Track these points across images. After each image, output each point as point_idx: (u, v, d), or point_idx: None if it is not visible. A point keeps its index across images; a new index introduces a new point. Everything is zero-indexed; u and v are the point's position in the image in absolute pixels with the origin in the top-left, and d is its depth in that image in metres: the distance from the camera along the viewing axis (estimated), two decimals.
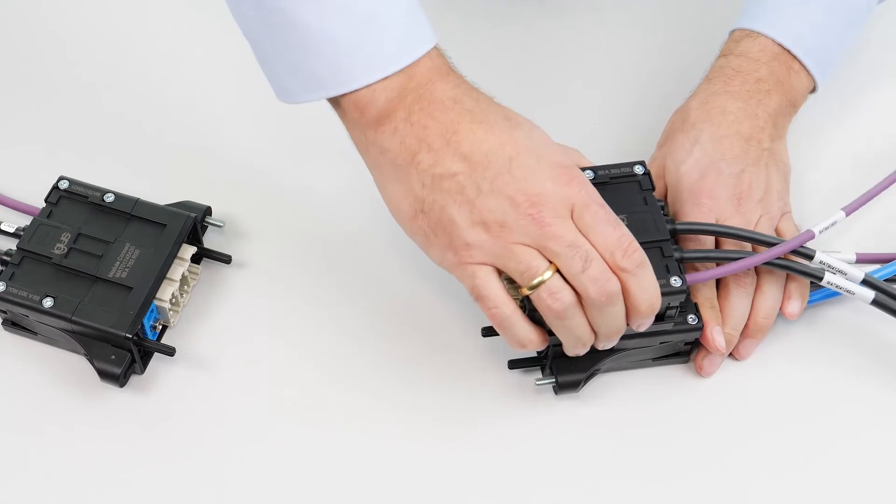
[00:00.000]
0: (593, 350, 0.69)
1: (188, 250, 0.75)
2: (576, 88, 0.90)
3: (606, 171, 0.72)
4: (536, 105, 0.73)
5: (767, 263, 0.72)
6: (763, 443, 0.73)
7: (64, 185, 0.76)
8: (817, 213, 0.80)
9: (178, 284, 0.74)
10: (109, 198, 0.75)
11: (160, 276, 0.73)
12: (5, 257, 0.74)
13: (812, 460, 0.72)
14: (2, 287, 0.72)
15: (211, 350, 0.75)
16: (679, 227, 0.72)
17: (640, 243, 0.66)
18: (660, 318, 0.70)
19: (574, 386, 0.72)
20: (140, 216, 0.75)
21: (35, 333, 0.75)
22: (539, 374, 0.74)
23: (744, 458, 0.72)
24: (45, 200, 0.76)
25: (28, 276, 0.72)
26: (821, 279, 0.72)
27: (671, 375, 0.75)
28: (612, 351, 0.71)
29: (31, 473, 0.71)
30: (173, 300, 0.74)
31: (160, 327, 0.75)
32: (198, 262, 0.78)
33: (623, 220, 0.67)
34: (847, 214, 0.76)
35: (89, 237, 0.74)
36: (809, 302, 0.76)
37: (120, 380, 0.71)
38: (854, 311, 0.77)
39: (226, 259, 0.77)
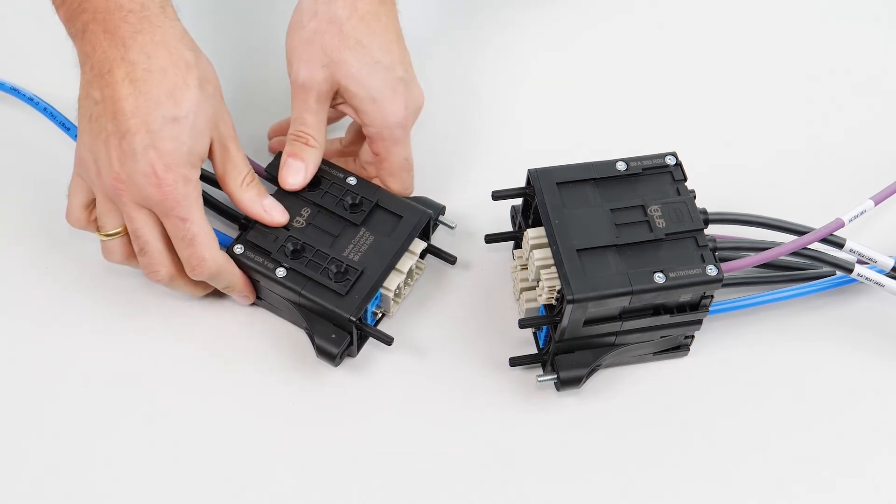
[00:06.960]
0: (595, 346, 0.72)
1: (419, 245, 0.76)
2: (574, 85, 0.91)
3: (639, 163, 0.73)
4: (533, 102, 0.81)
5: (796, 253, 0.72)
6: (770, 435, 0.73)
7: None
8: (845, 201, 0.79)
9: (404, 276, 0.75)
10: (352, 181, 0.77)
11: (390, 266, 0.74)
12: (245, 221, 0.76)
13: (827, 455, 0.73)
14: (240, 249, 0.74)
15: (423, 343, 0.76)
16: (711, 216, 0.73)
17: (676, 233, 0.70)
18: (694, 307, 0.71)
19: (576, 382, 0.72)
20: (380, 204, 0.76)
21: (259, 299, 0.77)
22: (540, 371, 0.74)
23: (749, 451, 0.73)
24: None
25: (265, 243, 0.74)
26: (851, 270, 0.73)
27: (672, 369, 0.76)
28: (613, 346, 0.72)
29: (239, 439, 0.73)
30: (397, 291, 0.75)
31: (380, 315, 0.76)
32: (422, 258, 0.79)
33: (657, 210, 0.70)
34: (876, 204, 0.75)
35: (329, 216, 0.75)
36: (817, 290, 0.76)
37: (336, 359, 0.72)
38: (878, 300, 0.78)
39: (451, 259, 0.78)
